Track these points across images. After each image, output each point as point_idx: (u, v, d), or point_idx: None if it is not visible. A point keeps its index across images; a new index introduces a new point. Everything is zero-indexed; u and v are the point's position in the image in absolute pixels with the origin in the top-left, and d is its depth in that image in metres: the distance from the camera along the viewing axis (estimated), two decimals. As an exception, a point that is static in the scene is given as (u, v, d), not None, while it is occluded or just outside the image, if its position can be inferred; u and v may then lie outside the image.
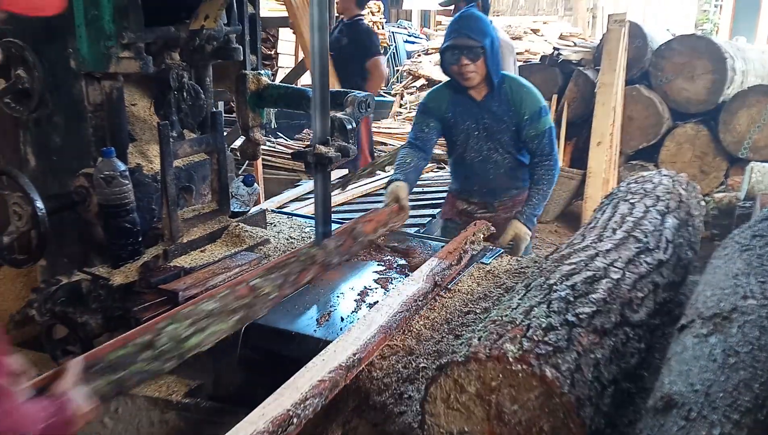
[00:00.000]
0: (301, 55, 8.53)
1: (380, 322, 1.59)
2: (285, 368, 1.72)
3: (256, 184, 2.37)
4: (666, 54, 5.34)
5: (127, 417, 1.63)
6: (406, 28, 14.33)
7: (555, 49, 5.98)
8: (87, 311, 1.72)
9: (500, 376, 1.15)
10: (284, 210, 3.23)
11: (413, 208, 3.83)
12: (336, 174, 4.61)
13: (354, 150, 1.90)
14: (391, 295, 1.75)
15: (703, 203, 2.30)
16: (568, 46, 6.36)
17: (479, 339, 1.23)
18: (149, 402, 1.61)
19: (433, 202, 3.97)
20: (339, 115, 1.87)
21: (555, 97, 5.63)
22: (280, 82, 4.85)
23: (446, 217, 2.99)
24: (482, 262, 2.14)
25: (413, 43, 12.71)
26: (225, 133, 2.32)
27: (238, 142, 4.57)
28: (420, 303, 1.75)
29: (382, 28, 12.07)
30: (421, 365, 1.52)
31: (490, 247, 2.31)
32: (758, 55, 6.12)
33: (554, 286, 1.42)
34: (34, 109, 1.88)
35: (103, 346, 1.32)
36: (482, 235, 2.26)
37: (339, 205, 4.01)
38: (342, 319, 1.73)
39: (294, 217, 2.65)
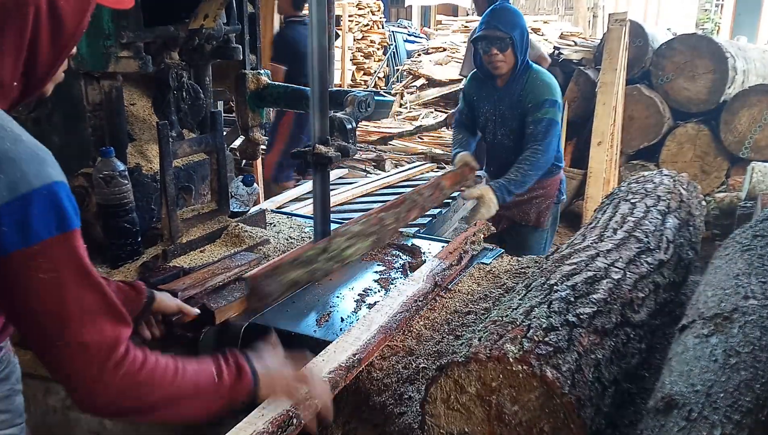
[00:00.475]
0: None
1: (380, 323, 1.59)
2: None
3: (255, 184, 2.37)
4: (667, 53, 5.33)
5: (127, 417, 1.63)
6: (406, 28, 14.35)
7: (556, 48, 5.97)
8: (86, 311, 1.71)
9: (501, 376, 1.15)
10: (284, 210, 3.22)
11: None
12: (335, 174, 4.60)
13: (354, 150, 1.90)
14: (392, 295, 1.75)
15: (704, 203, 2.30)
16: (569, 45, 6.35)
17: (479, 339, 1.22)
18: (148, 402, 1.60)
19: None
20: (339, 114, 1.87)
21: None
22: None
23: None
24: (482, 262, 2.13)
25: (413, 42, 12.72)
26: (224, 133, 2.32)
27: (237, 142, 4.56)
28: (420, 303, 1.75)
29: (382, 28, 12.08)
30: (422, 366, 1.52)
31: (490, 247, 2.30)
32: (759, 54, 6.11)
33: (555, 287, 1.41)
34: (32, 108, 1.87)
35: (298, 249, 1.85)
36: (482, 235, 2.27)
37: (339, 204, 4.00)
38: (342, 320, 1.73)
39: (294, 217, 2.64)
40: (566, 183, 3.11)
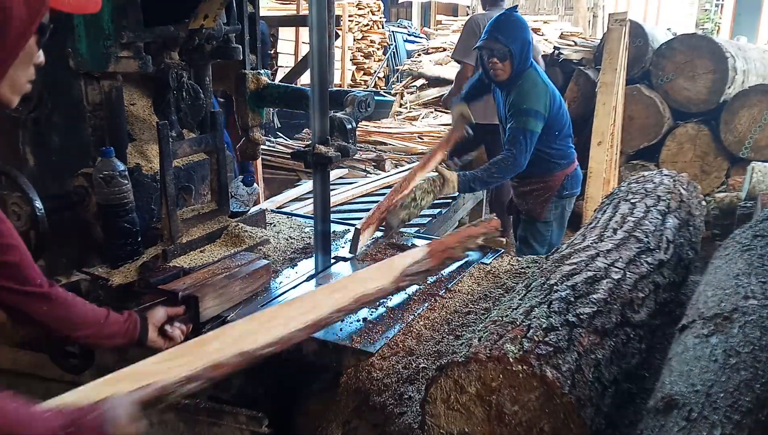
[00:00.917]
0: (300, 55, 8.56)
1: (315, 317, 1.49)
2: (284, 369, 1.72)
3: (255, 184, 2.37)
4: (667, 53, 5.33)
5: (127, 417, 1.62)
6: (406, 28, 14.34)
7: (555, 48, 5.96)
8: (86, 311, 1.72)
9: (501, 376, 1.15)
10: (284, 210, 3.23)
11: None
12: (335, 174, 4.60)
13: (354, 150, 1.90)
14: (349, 283, 1.64)
15: (704, 203, 2.30)
16: (569, 45, 6.35)
17: (480, 339, 1.22)
18: (148, 402, 1.60)
19: (434, 201, 3.96)
20: (339, 114, 1.87)
21: (557, 93, 5.62)
22: (280, 81, 4.85)
23: None
24: (482, 262, 2.13)
25: (413, 42, 12.71)
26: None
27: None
28: (370, 303, 1.68)
29: (382, 28, 12.07)
30: (422, 366, 1.52)
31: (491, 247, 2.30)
32: (759, 54, 6.11)
33: (555, 287, 1.41)
34: (32, 108, 1.87)
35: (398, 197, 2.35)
36: (490, 238, 2.16)
37: (339, 204, 4.00)
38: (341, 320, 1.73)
39: (294, 217, 2.64)
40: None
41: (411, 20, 17.08)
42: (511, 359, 1.13)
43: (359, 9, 11.36)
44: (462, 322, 1.73)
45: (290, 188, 4.52)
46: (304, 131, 7.33)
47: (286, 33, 8.79)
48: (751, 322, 1.11)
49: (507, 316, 1.31)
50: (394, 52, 12.30)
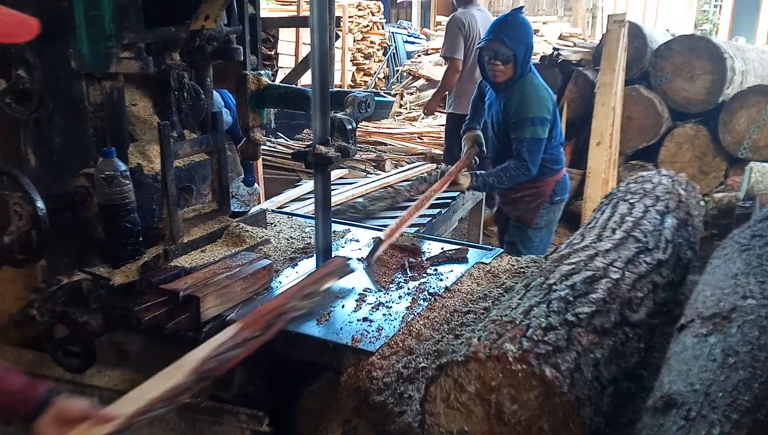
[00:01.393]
0: (301, 56, 8.56)
1: None
2: (284, 368, 1.73)
3: (256, 184, 2.38)
4: (665, 54, 5.34)
5: (128, 417, 1.63)
6: (406, 28, 14.34)
7: (554, 49, 5.98)
8: (87, 311, 1.72)
9: (500, 375, 1.15)
10: (284, 210, 3.23)
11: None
12: (335, 174, 4.60)
13: (354, 150, 1.90)
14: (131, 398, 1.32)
15: (702, 203, 2.31)
16: (568, 46, 6.36)
17: (479, 339, 1.23)
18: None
19: (434, 201, 3.96)
20: (339, 115, 1.88)
21: (554, 97, 5.63)
22: (281, 82, 4.84)
23: None
24: (482, 262, 2.14)
25: (413, 43, 12.72)
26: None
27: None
28: (167, 406, 1.35)
29: (382, 29, 12.07)
30: (421, 365, 1.52)
31: (490, 247, 2.31)
32: (758, 55, 6.12)
33: (554, 286, 1.42)
34: (34, 109, 1.87)
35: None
36: (336, 278, 1.90)
37: (339, 204, 4.00)
38: (342, 320, 1.74)
39: (294, 217, 2.65)
40: (569, 184, 3.18)
41: (411, 21, 17.08)
42: (510, 358, 1.14)
43: (359, 10, 11.37)
44: (461, 321, 1.73)
45: (291, 188, 4.52)
46: (304, 131, 7.33)
47: (286, 34, 8.79)
48: (750, 321, 1.12)
49: (506, 315, 1.32)
50: (393, 53, 12.31)
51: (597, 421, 1.17)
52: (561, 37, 8.78)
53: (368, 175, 5.40)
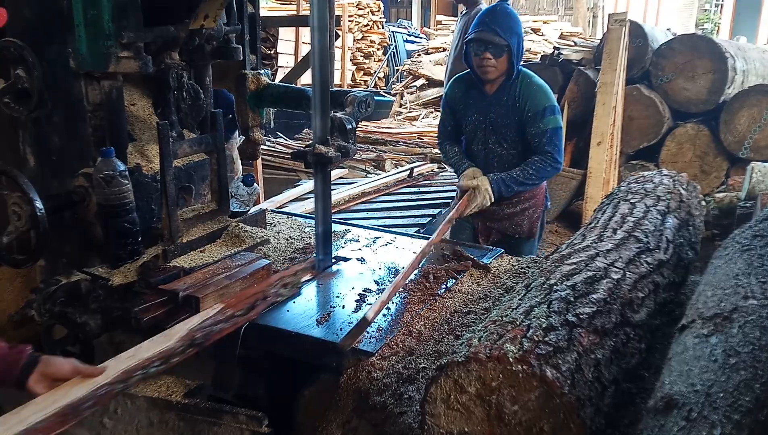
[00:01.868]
0: (301, 55, 8.56)
1: (70, 399, 1.28)
2: (284, 368, 1.72)
3: (255, 184, 2.37)
4: (666, 54, 5.33)
5: (127, 417, 1.63)
6: (406, 28, 14.34)
7: (555, 48, 5.97)
8: (86, 311, 1.72)
9: (500, 376, 1.15)
10: (284, 210, 3.23)
11: (414, 208, 3.84)
12: (335, 174, 4.60)
13: (354, 150, 1.90)
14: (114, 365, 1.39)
15: (703, 203, 2.30)
16: (569, 45, 6.36)
17: (479, 339, 1.22)
18: (148, 402, 1.61)
19: (434, 202, 3.97)
20: (339, 114, 1.87)
21: (555, 96, 5.63)
22: (280, 81, 4.85)
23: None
24: (482, 262, 2.13)
25: (413, 42, 12.72)
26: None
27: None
28: (158, 366, 1.45)
29: (382, 28, 12.08)
30: (421, 366, 1.52)
31: (490, 248, 2.30)
32: (759, 54, 6.11)
33: (554, 287, 1.41)
34: (33, 108, 1.87)
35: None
36: (307, 276, 1.98)
37: (338, 204, 4.00)
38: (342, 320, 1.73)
39: (294, 217, 2.64)
40: (566, 183, 3.10)
41: (411, 20, 17.09)
42: (510, 359, 1.13)
43: (359, 9, 11.37)
44: (462, 321, 1.73)
45: (290, 188, 4.52)
46: (304, 131, 7.34)
47: (286, 33, 8.79)
48: (751, 321, 1.11)
49: (507, 315, 1.31)
50: (394, 53, 12.31)
51: (598, 421, 1.17)
52: (562, 37, 8.77)
53: (368, 175, 5.41)
